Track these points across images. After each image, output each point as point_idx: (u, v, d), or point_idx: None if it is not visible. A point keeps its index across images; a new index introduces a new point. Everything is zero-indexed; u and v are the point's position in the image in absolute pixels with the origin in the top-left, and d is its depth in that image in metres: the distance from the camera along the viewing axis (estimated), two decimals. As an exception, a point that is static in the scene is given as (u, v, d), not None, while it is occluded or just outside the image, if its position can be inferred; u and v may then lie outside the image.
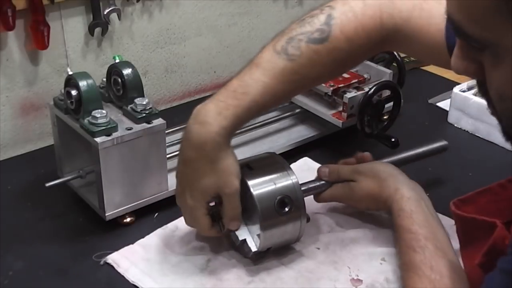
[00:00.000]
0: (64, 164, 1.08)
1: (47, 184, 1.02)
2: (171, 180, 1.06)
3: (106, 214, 1.00)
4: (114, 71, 1.03)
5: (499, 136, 1.25)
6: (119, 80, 1.02)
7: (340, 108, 1.22)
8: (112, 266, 0.94)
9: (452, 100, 1.36)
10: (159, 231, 1.01)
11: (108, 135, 0.96)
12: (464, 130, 1.34)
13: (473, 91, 1.35)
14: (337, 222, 1.04)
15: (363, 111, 1.18)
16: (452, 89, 1.36)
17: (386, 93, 1.22)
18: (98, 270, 0.94)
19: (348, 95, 1.20)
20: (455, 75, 1.56)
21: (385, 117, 1.25)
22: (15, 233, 1.02)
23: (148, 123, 1.00)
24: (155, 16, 1.33)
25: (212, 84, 1.48)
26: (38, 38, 1.15)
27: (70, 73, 1.00)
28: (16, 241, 1.00)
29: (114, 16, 1.25)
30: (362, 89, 1.22)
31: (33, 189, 1.11)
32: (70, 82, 0.99)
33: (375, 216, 1.05)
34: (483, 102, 1.27)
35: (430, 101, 1.46)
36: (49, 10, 1.16)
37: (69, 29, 1.21)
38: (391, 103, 1.23)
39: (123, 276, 0.92)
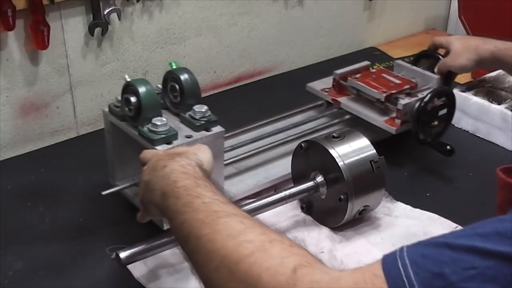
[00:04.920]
0: (117, 172, 1.05)
1: (104, 193, 0.96)
2: (227, 186, 1.04)
3: (164, 223, 0.95)
4: (171, 77, 1.00)
5: (499, 136, 1.28)
6: (177, 86, 0.99)
7: (393, 115, 1.19)
8: (113, 266, 0.93)
9: (452, 100, 1.36)
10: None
11: (168, 143, 0.94)
12: (464, 130, 1.34)
13: (473, 91, 1.35)
14: (342, 228, 1.03)
15: (418, 118, 1.16)
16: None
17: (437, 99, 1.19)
18: (98, 270, 0.94)
19: (402, 101, 1.17)
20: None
21: (436, 124, 1.21)
22: (15, 233, 1.02)
23: (207, 130, 0.97)
24: (155, 16, 1.33)
25: (212, 84, 1.48)
26: (38, 38, 1.15)
27: (128, 79, 0.97)
28: (16, 241, 1.00)
29: (114, 16, 1.25)
30: (415, 95, 1.20)
31: (33, 189, 1.11)
32: (129, 88, 0.96)
33: (382, 222, 1.05)
34: (483, 102, 1.30)
35: (430, 101, 1.46)
36: (49, 10, 1.16)
37: (69, 29, 1.21)
38: (444, 110, 1.20)
39: (123, 276, 0.92)
